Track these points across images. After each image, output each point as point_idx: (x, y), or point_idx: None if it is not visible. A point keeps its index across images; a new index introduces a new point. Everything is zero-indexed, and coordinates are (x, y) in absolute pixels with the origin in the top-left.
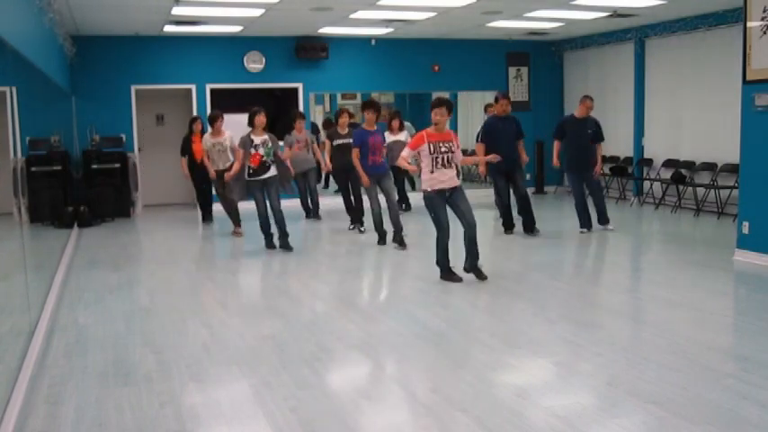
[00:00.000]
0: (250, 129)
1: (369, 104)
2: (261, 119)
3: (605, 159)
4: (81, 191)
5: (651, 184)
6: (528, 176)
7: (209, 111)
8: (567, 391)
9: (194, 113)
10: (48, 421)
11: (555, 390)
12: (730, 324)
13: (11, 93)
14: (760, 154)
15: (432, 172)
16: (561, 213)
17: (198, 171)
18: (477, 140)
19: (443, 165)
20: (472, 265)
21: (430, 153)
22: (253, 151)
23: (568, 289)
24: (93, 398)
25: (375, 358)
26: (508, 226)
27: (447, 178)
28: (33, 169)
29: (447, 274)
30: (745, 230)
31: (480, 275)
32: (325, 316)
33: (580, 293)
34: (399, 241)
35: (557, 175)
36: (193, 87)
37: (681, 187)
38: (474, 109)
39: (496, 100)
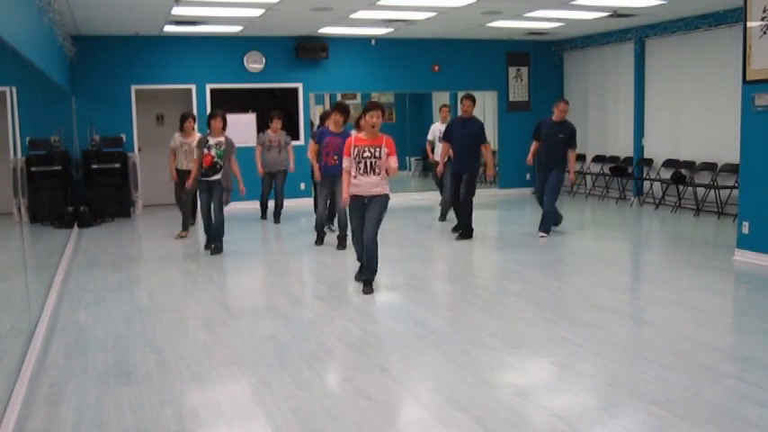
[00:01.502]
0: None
1: (336, 107)
2: (215, 123)
3: (605, 159)
4: (81, 191)
5: (651, 184)
6: (527, 176)
7: (208, 111)
8: (566, 391)
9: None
10: (48, 421)
11: (555, 390)
12: (730, 324)
13: (11, 93)
14: (760, 154)
15: (354, 177)
16: None
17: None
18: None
19: (365, 171)
20: (365, 278)
21: (353, 157)
22: (206, 151)
23: (568, 289)
24: (93, 398)
25: (375, 358)
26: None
27: (365, 185)
28: (33, 169)
29: (357, 273)
30: (745, 230)
31: (366, 290)
32: (325, 316)
33: (580, 293)
34: (339, 240)
35: None
36: (193, 87)
37: (681, 187)
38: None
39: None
